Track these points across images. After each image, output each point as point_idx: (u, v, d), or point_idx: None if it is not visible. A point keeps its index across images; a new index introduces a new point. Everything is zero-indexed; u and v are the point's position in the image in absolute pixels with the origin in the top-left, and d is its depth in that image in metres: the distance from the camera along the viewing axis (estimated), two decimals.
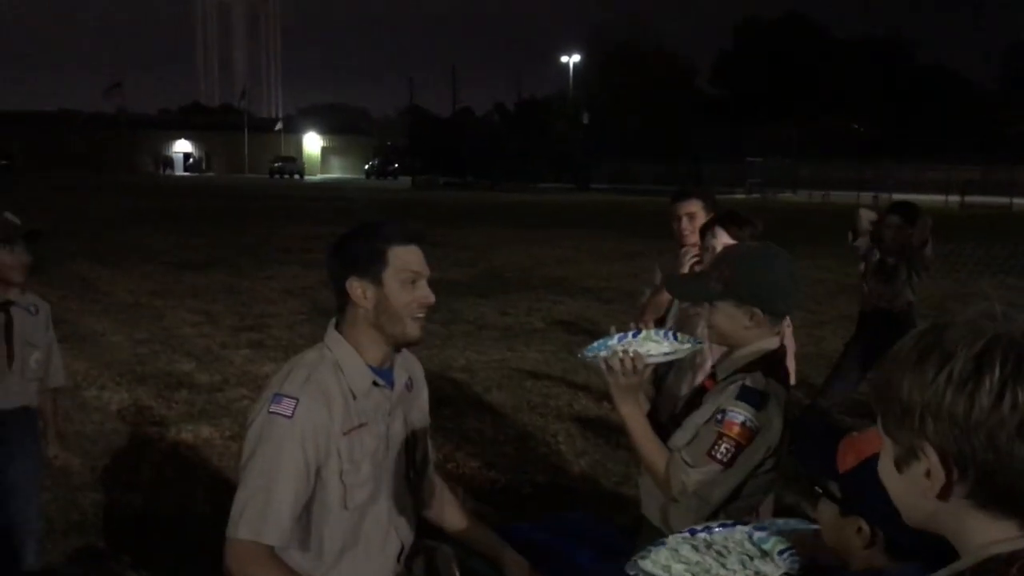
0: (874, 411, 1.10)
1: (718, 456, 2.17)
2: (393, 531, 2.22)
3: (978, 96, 69.02)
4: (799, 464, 1.78)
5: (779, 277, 2.31)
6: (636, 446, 2.32)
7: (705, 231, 3.63)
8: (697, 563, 1.62)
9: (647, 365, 2.22)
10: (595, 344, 2.35)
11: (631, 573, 1.61)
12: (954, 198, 36.94)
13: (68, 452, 3.78)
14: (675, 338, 2.37)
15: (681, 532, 1.73)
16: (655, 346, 2.30)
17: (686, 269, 3.95)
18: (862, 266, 5.68)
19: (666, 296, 4.02)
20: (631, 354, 2.20)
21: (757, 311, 2.26)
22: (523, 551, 2.39)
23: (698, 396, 2.37)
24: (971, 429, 0.96)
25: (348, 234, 2.20)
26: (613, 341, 2.31)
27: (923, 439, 1.00)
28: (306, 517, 2.08)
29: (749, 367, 2.26)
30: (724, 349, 2.44)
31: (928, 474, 1.01)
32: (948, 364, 0.98)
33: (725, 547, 1.65)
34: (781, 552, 1.60)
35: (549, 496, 4.85)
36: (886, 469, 1.09)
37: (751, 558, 1.62)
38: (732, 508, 2.28)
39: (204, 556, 3.91)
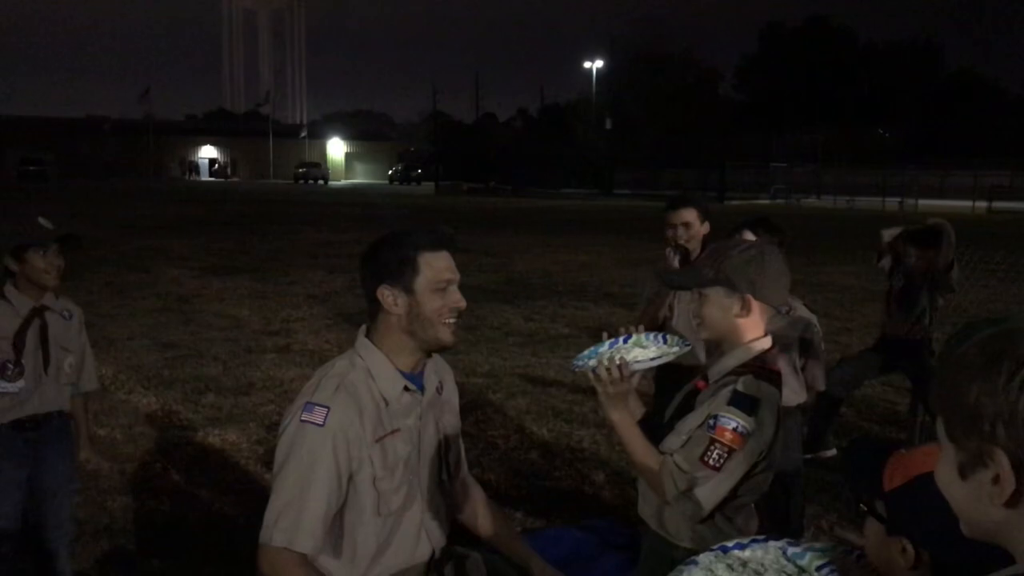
0: (936, 416, 1.08)
1: (710, 462, 2.16)
2: (425, 536, 2.23)
3: (1007, 101, 68.37)
4: (849, 481, 1.76)
5: (771, 268, 2.30)
6: (628, 451, 2.31)
7: (733, 234, 3.62)
8: None
9: (633, 372, 2.22)
10: (586, 353, 2.35)
11: None
12: (981, 204, 36.58)
13: (98, 456, 3.81)
14: (664, 341, 2.38)
15: (712, 549, 1.69)
16: (642, 352, 2.30)
17: (675, 265, 3.96)
18: (887, 286, 5.63)
19: (664, 301, 4.04)
20: (618, 361, 2.19)
21: (748, 297, 2.25)
22: (550, 558, 2.40)
23: (690, 398, 2.35)
24: None
25: (378, 242, 2.21)
26: (604, 348, 2.32)
27: (993, 445, 0.99)
28: (339, 524, 2.09)
29: (741, 369, 2.25)
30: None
31: (996, 480, 0.99)
32: (1021, 370, 0.96)
33: (762, 564, 1.61)
34: (820, 568, 1.57)
35: (575, 502, 4.84)
36: (947, 477, 1.07)
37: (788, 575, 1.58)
38: (728, 509, 2.26)
39: (232, 561, 3.95)
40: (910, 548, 1.41)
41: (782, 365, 3.56)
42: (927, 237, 5.15)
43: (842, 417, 5.97)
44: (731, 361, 2.28)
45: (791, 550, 1.64)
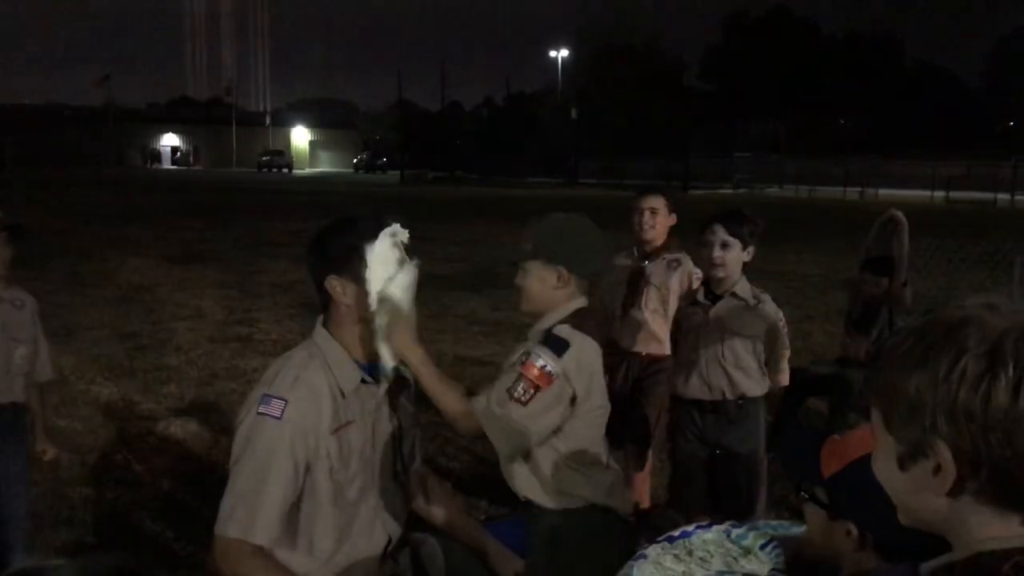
0: (872, 409, 1.09)
1: (515, 395, 2.25)
2: (381, 526, 2.23)
3: (964, 93, 69.35)
4: (785, 470, 1.78)
5: (587, 241, 2.43)
6: (433, 396, 2.32)
7: (704, 227, 3.65)
8: (684, 573, 1.60)
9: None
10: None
11: None
12: (939, 193, 37.09)
13: (57, 447, 3.78)
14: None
15: (658, 540, 1.70)
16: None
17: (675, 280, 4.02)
18: (847, 310, 5.67)
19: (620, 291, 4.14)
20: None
21: (563, 270, 2.37)
22: (511, 545, 2.41)
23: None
24: (988, 426, 0.95)
25: (323, 231, 2.19)
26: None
27: (934, 436, 0.99)
28: (296, 515, 2.09)
29: (558, 324, 2.35)
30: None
31: (937, 471, 1.00)
32: (960, 361, 0.96)
33: (707, 551, 1.63)
34: (763, 546, 1.59)
35: None
36: (886, 468, 1.07)
37: (735, 558, 1.60)
38: (577, 462, 2.36)
39: (194, 551, 3.94)
40: (855, 531, 1.44)
41: (742, 355, 3.62)
42: (883, 266, 5.21)
43: (811, 408, 6.03)
44: (549, 321, 2.39)
45: (734, 532, 1.66)
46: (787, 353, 3.80)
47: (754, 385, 3.64)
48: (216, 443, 5.43)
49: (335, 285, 2.12)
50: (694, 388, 3.64)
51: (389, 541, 2.25)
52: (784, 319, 3.79)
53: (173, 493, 4.70)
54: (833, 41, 71.04)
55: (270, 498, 2.01)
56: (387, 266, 2.11)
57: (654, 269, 4.17)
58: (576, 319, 2.37)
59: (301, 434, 2.04)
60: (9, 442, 3.27)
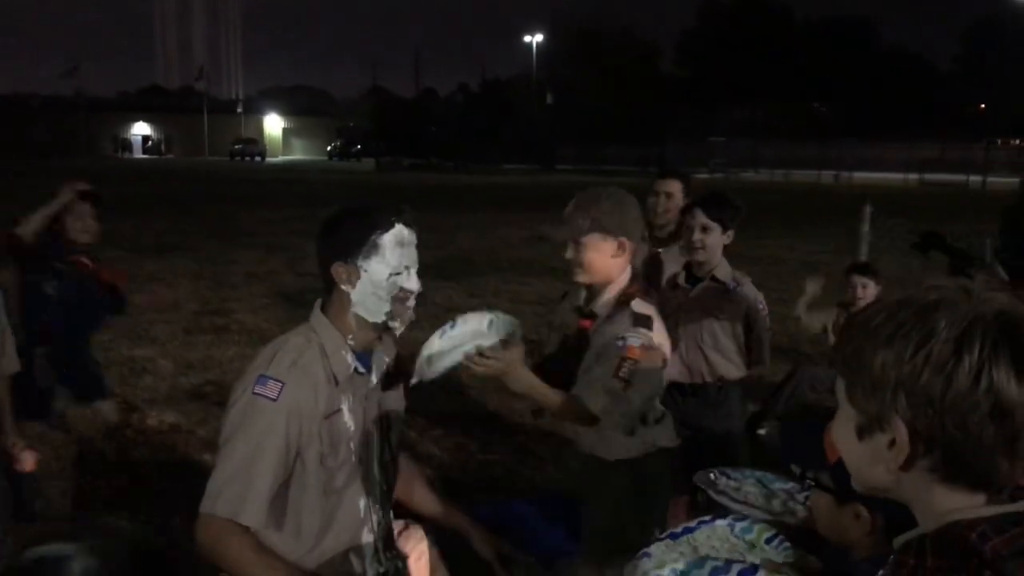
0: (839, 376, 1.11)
1: (623, 375, 2.47)
2: (368, 513, 2.23)
3: (937, 77, 69.92)
4: (788, 459, 1.79)
5: (634, 211, 2.68)
6: (547, 406, 2.53)
7: (685, 212, 3.65)
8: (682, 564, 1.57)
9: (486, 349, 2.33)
10: (437, 355, 2.34)
11: None
12: (913, 176, 37.44)
13: (25, 440, 3.71)
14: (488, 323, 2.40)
15: (661, 538, 1.70)
16: (452, 339, 2.35)
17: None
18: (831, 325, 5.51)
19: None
20: (474, 351, 2.31)
21: (624, 239, 2.62)
22: (494, 531, 2.42)
23: (583, 337, 2.66)
24: (945, 409, 0.98)
25: (336, 216, 2.18)
26: (442, 341, 2.34)
27: (893, 412, 1.02)
28: (283, 498, 2.08)
29: (623, 299, 2.61)
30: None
31: (891, 445, 1.03)
32: (928, 344, 0.98)
33: (712, 547, 1.62)
34: (769, 540, 1.59)
35: (518, 476, 4.87)
36: (844, 435, 1.11)
37: (741, 553, 1.59)
38: (648, 417, 2.70)
39: (172, 540, 3.90)
40: (864, 513, 1.43)
41: (722, 338, 3.63)
42: (867, 269, 5.25)
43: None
44: (610, 294, 2.64)
45: (738, 526, 1.65)
46: (767, 336, 3.81)
47: (733, 368, 3.66)
48: (193, 434, 5.39)
49: (340, 271, 2.11)
50: (674, 371, 3.64)
51: (376, 529, 2.25)
52: (764, 302, 3.80)
53: (150, 485, 4.66)
54: (807, 25, 71.34)
55: (260, 480, 1.99)
56: (398, 257, 2.12)
57: (668, 256, 4.14)
58: (635, 288, 2.65)
59: (296, 418, 2.02)
60: None
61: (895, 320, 1.02)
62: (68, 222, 4.60)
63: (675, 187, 4.17)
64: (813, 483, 1.51)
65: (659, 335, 2.59)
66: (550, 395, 2.46)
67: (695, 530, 1.68)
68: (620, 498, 2.67)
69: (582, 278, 2.67)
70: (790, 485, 1.81)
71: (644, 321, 2.55)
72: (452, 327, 2.31)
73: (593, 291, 2.71)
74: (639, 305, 2.58)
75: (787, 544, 1.57)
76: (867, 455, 1.08)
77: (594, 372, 2.51)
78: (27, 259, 4.46)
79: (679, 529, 1.70)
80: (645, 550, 1.68)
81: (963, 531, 1.00)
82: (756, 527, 1.63)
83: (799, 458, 1.62)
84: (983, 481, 1.02)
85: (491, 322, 2.33)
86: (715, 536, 1.65)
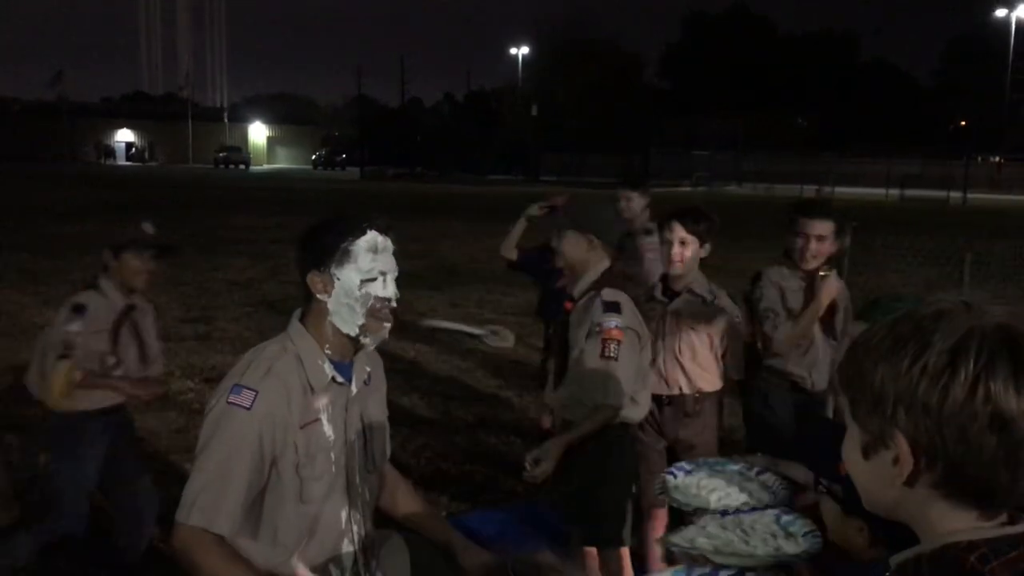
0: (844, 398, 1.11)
1: (608, 354, 3.02)
2: (349, 524, 2.22)
3: (918, 92, 70.57)
4: (807, 463, 1.81)
5: (608, 216, 3.34)
6: (586, 435, 3.10)
7: (662, 225, 3.69)
8: (719, 538, 1.64)
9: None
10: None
11: (664, 547, 1.71)
12: (894, 191, 37.73)
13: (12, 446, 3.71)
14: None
15: (712, 514, 1.76)
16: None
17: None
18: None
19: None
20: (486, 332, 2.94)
21: (593, 237, 3.16)
22: (475, 540, 2.42)
23: (567, 317, 3.21)
24: (944, 421, 0.97)
25: (314, 226, 2.19)
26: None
27: (894, 427, 1.01)
28: (259, 506, 2.08)
29: (596, 284, 3.14)
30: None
31: (896, 461, 1.02)
32: (924, 355, 0.98)
33: (752, 527, 1.67)
34: (806, 534, 1.63)
35: (500, 486, 4.88)
36: (852, 455, 1.10)
37: (775, 536, 1.64)
38: (632, 388, 3.15)
39: (148, 550, 3.90)
40: (867, 528, 1.46)
41: (699, 350, 3.67)
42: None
43: None
44: (586, 282, 3.18)
45: (784, 518, 1.70)
46: (742, 348, 3.85)
47: (710, 380, 3.70)
48: (172, 441, 5.38)
49: (316, 280, 2.12)
50: (652, 383, 3.68)
51: (356, 539, 2.25)
52: (740, 315, 3.84)
53: None
54: (790, 39, 71.95)
55: (234, 489, 2.00)
56: (370, 263, 2.11)
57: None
58: (607, 279, 3.14)
59: (269, 426, 2.03)
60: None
61: (893, 334, 1.02)
62: None
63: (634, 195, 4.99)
64: (825, 490, 1.55)
65: (629, 317, 3.07)
66: (583, 427, 3.06)
67: (743, 514, 1.73)
68: (589, 471, 3.16)
69: (560, 263, 3.28)
70: (740, 466, 1.93)
71: (613, 307, 3.04)
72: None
73: (575, 279, 3.25)
74: (608, 293, 3.08)
75: (819, 539, 1.60)
76: (874, 474, 1.07)
77: (583, 366, 3.04)
78: None
79: (731, 511, 1.76)
80: (692, 520, 1.75)
81: (962, 552, 0.99)
82: (799, 522, 1.68)
83: (813, 465, 1.65)
84: (986, 496, 1.00)
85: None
86: (759, 521, 1.70)
